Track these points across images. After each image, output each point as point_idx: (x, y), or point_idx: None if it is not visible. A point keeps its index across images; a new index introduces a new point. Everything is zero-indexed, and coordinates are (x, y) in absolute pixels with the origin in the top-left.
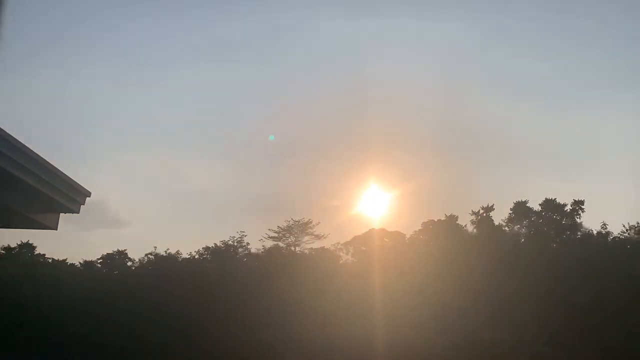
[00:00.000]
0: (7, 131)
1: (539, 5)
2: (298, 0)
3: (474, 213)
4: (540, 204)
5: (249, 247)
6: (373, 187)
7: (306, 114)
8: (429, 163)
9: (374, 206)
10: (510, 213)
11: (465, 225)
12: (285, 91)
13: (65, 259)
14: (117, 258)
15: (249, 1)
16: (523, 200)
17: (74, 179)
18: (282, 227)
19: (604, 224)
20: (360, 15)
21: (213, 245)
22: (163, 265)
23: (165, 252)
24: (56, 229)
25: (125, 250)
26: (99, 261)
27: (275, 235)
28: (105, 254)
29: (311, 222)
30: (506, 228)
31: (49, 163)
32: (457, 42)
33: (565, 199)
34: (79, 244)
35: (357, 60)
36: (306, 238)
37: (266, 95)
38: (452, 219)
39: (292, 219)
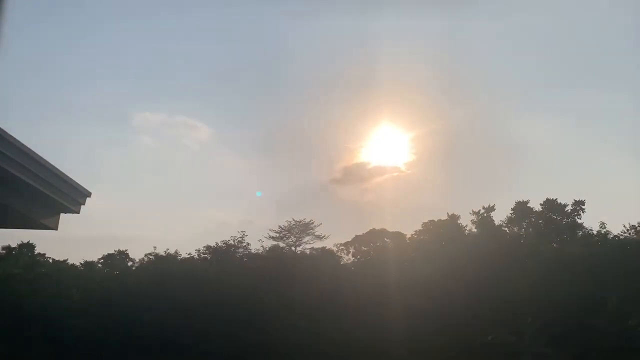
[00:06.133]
0: (7, 131)
1: (546, 5)
2: None
3: (474, 213)
4: (541, 204)
5: (249, 247)
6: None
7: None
8: (428, 162)
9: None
10: (510, 213)
11: (466, 225)
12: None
13: (66, 259)
14: (118, 258)
15: None
16: (524, 200)
17: (74, 178)
18: (283, 226)
19: (603, 224)
20: None
21: (214, 245)
22: (163, 266)
23: (165, 251)
24: (56, 229)
25: (125, 250)
26: (99, 261)
27: (276, 235)
28: (105, 254)
29: (313, 223)
30: (506, 228)
31: (49, 163)
32: (460, 41)
33: (566, 199)
34: (79, 244)
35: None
36: (307, 238)
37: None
38: (453, 218)
39: (293, 219)
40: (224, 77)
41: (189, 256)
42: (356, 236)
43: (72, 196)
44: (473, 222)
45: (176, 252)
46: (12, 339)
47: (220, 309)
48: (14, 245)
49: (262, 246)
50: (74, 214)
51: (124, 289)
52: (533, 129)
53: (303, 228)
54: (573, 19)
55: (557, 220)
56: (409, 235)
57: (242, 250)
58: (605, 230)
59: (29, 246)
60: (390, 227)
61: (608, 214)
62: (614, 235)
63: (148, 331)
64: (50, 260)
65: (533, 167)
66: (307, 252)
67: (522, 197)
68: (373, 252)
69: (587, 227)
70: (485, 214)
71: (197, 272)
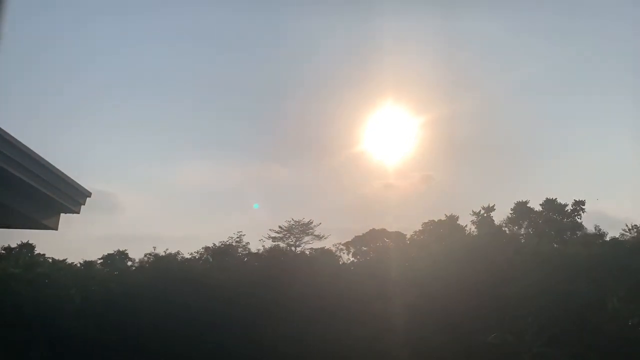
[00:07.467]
0: (7, 131)
1: (545, 5)
2: None
3: (474, 213)
4: (541, 204)
5: (248, 246)
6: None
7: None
8: (429, 162)
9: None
10: (511, 213)
11: (466, 226)
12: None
13: (65, 259)
14: (117, 258)
15: None
16: (524, 200)
17: (74, 178)
18: (283, 227)
19: (598, 227)
20: None
21: (212, 245)
22: (163, 266)
23: (165, 252)
24: (56, 229)
25: (125, 250)
26: (99, 261)
27: (276, 235)
28: (105, 254)
29: (312, 223)
30: (506, 228)
31: (49, 163)
32: (459, 39)
33: (566, 199)
34: (79, 243)
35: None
36: (307, 238)
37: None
38: (452, 219)
39: (292, 219)
40: (226, 78)
41: (190, 256)
42: (356, 236)
43: (73, 196)
44: (473, 222)
45: (177, 253)
46: (12, 338)
47: (221, 308)
48: (14, 245)
49: (263, 246)
50: (74, 214)
51: (124, 288)
52: (534, 128)
53: (303, 228)
54: (578, 20)
55: (557, 220)
56: (408, 235)
57: (241, 250)
58: (600, 231)
59: (29, 246)
60: (391, 227)
61: (609, 213)
62: (613, 236)
63: (147, 331)
64: (50, 260)
65: (533, 167)
66: (307, 252)
67: (522, 197)
68: (373, 252)
69: (587, 227)
70: (485, 214)
71: (197, 272)
